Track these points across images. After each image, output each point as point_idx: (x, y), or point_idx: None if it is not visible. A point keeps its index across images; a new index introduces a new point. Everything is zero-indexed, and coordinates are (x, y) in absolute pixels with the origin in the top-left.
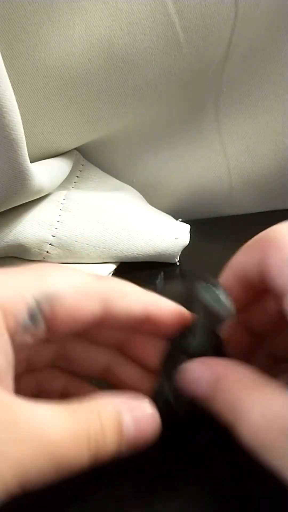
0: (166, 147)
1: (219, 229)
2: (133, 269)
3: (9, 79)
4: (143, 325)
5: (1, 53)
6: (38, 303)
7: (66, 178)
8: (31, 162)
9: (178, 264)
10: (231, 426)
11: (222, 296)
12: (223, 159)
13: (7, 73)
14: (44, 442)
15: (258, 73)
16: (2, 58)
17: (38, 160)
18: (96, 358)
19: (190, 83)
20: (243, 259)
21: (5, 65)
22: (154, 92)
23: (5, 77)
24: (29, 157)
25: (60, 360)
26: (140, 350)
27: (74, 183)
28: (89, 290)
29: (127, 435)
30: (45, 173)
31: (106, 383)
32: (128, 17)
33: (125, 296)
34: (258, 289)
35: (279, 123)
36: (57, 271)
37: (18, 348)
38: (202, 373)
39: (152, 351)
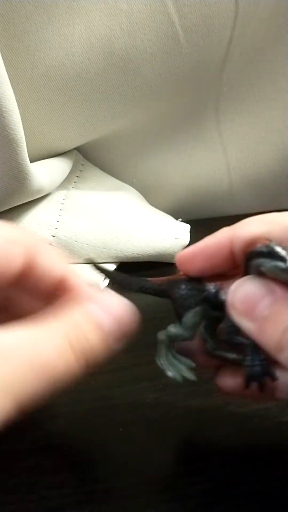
0: (166, 147)
1: (219, 229)
2: (133, 269)
3: (9, 79)
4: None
5: (1, 52)
6: None
7: (66, 178)
8: (31, 162)
9: None
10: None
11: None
12: (223, 159)
13: (7, 72)
14: (31, 360)
15: (258, 73)
16: (2, 58)
17: (38, 160)
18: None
19: (190, 83)
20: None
21: (5, 64)
22: (154, 92)
23: (5, 77)
24: (29, 157)
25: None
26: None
27: (74, 183)
28: (17, 238)
29: (108, 330)
30: (45, 173)
31: None
32: (128, 16)
33: (50, 253)
34: None
35: (279, 123)
36: None
37: None
38: (260, 291)
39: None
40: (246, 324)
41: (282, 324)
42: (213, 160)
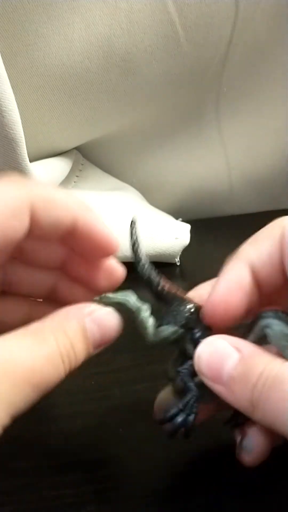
0: (166, 146)
1: (219, 229)
2: (133, 269)
3: (9, 78)
4: (75, 242)
5: (1, 52)
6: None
7: (65, 178)
8: (30, 161)
9: (178, 264)
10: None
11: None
12: (223, 159)
13: (7, 72)
14: (25, 373)
15: (258, 73)
16: (2, 57)
17: (38, 160)
18: (40, 280)
19: (190, 82)
20: (256, 249)
21: (4, 64)
22: (154, 91)
23: (4, 76)
24: (28, 156)
25: (5, 286)
26: (80, 271)
27: (73, 182)
28: (16, 202)
29: (93, 340)
30: (45, 172)
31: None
32: (128, 16)
33: (52, 204)
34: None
35: (279, 123)
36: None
37: None
38: (226, 351)
39: (91, 272)
40: (216, 388)
41: (250, 382)
42: (213, 160)
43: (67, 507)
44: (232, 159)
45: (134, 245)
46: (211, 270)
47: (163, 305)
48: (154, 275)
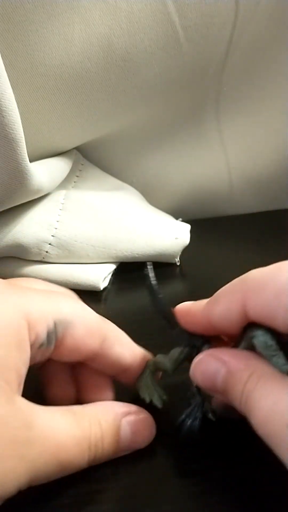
0: (166, 146)
1: (219, 229)
2: (133, 269)
3: (9, 78)
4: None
5: (0, 52)
6: (56, 326)
7: (65, 178)
8: (30, 161)
9: (178, 264)
10: (246, 416)
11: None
12: (223, 159)
13: (7, 72)
14: (54, 446)
15: (258, 73)
16: (2, 57)
17: (38, 160)
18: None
19: (190, 83)
20: (221, 308)
21: (4, 64)
22: (154, 91)
23: (4, 76)
24: (28, 156)
25: None
26: None
27: (73, 182)
28: (95, 328)
29: (124, 440)
30: (45, 172)
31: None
32: (128, 16)
33: (121, 342)
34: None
35: (279, 123)
36: (74, 302)
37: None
38: (214, 367)
39: None
40: (216, 396)
41: (238, 393)
42: (213, 160)
43: (67, 507)
44: (232, 159)
45: (151, 284)
46: (211, 270)
47: (172, 330)
48: (167, 307)
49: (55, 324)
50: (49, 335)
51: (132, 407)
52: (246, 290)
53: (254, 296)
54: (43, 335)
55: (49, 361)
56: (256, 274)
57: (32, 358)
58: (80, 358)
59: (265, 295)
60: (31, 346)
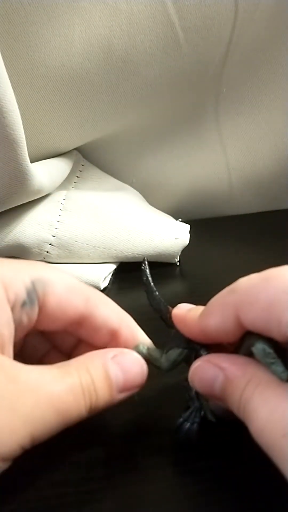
0: (166, 147)
1: (219, 229)
2: (133, 269)
3: (9, 79)
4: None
5: (1, 53)
6: (34, 285)
7: (66, 178)
8: (31, 162)
9: (178, 264)
10: (245, 423)
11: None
12: (223, 159)
13: (7, 73)
14: (46, 395)
15: (258, 73)
16: (2, 58)
17: (38, 160)
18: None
19: (190, 83)
20: (216, 320)
21: (5, 65)
22: (153, 92)
23: (5, 77)
24: (29, 157)
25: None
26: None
27: (74, 183)
28: (77, 288)
29: (116, 381)
30: (45, 173)
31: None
32: (128, 17)
33: (107, 305)
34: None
35: (279, 123)
36: (49, 267)
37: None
38: (212, 373)
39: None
40: (216, 401)
41: (236, 400)
42: (213, 160)
43: (67, 507)
44: (232, 159)
45: (147, 279)
46: (211, 270)
47: (170, 329)
48: (163, 305)
49: (33, 283)
50: (28, 293)
51: (116, 349)
52: (238, 302)
53: (246, 309)
54: (22, 293)
55: (48, 352)
56: (246, 284)
57: (17, 319)
58: (67, 322)
59: (257, 309)
60: (14, 307)
